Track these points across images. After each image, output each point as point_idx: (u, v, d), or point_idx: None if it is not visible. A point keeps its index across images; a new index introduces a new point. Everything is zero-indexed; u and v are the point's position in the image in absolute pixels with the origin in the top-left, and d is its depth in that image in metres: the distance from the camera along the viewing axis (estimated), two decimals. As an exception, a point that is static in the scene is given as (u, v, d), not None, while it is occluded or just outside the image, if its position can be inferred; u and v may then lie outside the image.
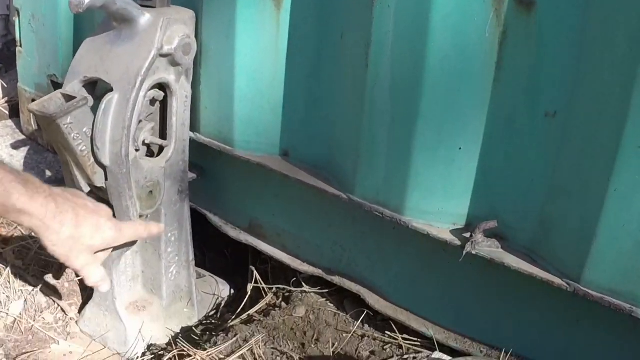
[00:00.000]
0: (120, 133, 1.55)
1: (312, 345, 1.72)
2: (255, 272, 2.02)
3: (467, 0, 1.30)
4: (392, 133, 1.46)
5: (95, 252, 1.36)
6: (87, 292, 1.93)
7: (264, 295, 1.98)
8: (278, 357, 1.66)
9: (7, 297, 1.86)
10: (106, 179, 1.59)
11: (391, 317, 1.71)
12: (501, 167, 1.41)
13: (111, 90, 1.56)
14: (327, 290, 1.90)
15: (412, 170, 1.46)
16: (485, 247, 1.44)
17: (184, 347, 1.67)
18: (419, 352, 1.66)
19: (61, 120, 1.48)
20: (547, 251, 1.39)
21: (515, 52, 1.32)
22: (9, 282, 1.88)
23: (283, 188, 1.79)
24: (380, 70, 1.42)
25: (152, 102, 1.66)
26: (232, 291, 2.12)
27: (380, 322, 1.78)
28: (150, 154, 1.72)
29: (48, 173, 2.35)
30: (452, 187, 1.46)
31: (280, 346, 1.70)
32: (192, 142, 1.78)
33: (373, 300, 1.74)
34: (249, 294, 1.99)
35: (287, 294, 1.95)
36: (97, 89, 1.65)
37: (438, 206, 1.48)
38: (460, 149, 1.42)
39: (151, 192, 1.68)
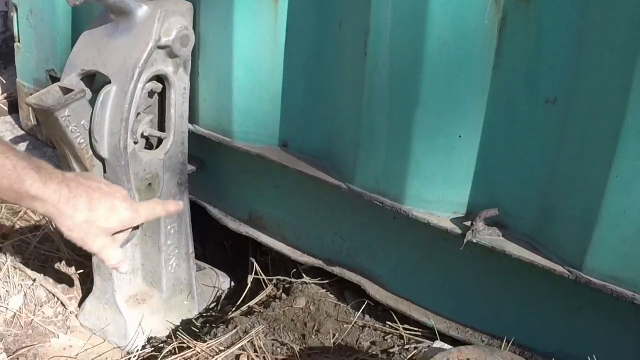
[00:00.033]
0: (119, 125, 1.55)
1: (313, 337, 1.72)
2: (256, 264, 2.01)
3: (466, -13, 1.29)
4: (392, 121, 1.45)
5: (114, 234, 1.35)
6: (87, 286, 1.92)
7: (265, 287, 1.98)
8: (279, 349, 1.65)
9: (7, 291, 1.86)
10: (105, 171, 1.59)
11: (392, 308, 1.71)
12: (502, 155, 1.40)
13: (109, 82, 1.56)
14: (327, 281, 1.89)
15: (412, 158, 1.45)
16: (486, 236, 1.43)
17: (184, 339, 1.66)
18: (420, 342, 1.66)
19: (59, 113, 1.48)
20: (548, 239, 1.39)
21: (514, 38, 1.31)
22: (9, 277, 1.88)
23: (283, 179, 1.79)
24: (379, 59, 1.42)
25: (151, 94, 1.66)
26: (233, 283, 2.12)
27: (381, 312, 1.77)
28: (149, 146, 1.72)
29: (47, 168, 2.34)
30: (452, 176, 1.46)
31: (281, 337, 1.70)
32: (191, 134, 1.78)
33: (374, 290, 1.73)
34: (249, 285, 1.98)
35: (287, 286, 1.95)
36: (95, 81, 1.65)
37: (438, 195, 1.48)
38: (460, 136, 1.41)
39: (150, 184, 1.67)
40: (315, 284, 1.90)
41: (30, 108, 2.29)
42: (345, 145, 1.58)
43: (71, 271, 1.97)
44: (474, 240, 1.42)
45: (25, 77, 2.40)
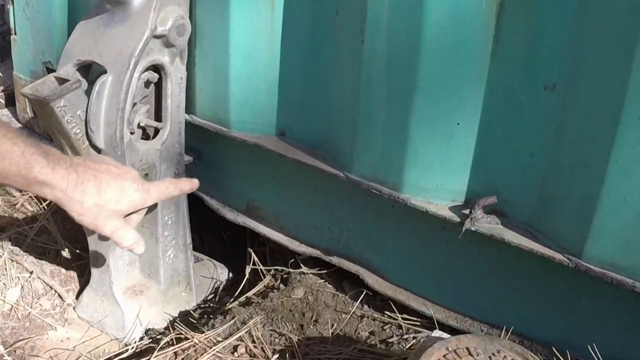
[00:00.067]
0: (115, 115, 1.54)
1: (311, 327, 1.71)
2: (253, 255, 2.00)
3: (463, -28, 1.28)
4: (389, 109, 1.44)
5: (126, 216, 1.35)
6: (84, 278, 1.92)
7: (262, 277, 1.97)
8: (276, 339, 1.65)
9: (4, 284, 1.85)
10: (101, 161, 1.58)
11: (390, 297, 1.70)
12: (500, 142, 1.39)
13: (105, 72, 1.55)
14: (325, 271, 1.89)
15: (410, 146, 1.44)
16: (485, 224, 1.43)
17: (182, 330, 1.66)
18: (419, 331, 1.66)
19: (54, 103, 1.47)
20: (547, 226, 1.38)
21: (513, 24, 1.30)
22: (6, 269, 1.87)
23: (280, 168, 1.78)
24: (376, 46, 1.41)
25: (147, 84, 1.65)
26: (230, 274, 2.11)
27: (379, 302, 1.77)
28: (145, 136, 1.71)
29: (44, 160, 2.33)
30: (450, 163, 1.45)
31: (279, 328, 1.69)
32: (188, 124, 1.77)
33: (372, 280, 1.72)
34: (247, 276, 1.98)
35: (285, 276, 1.95)
36: (91, 72, 1.64)
37: (436, 182, 1.47)
38: (458, 123, 1.40)
39: (146, 174, 1.67)
40: (313, 274, 1.90)
41: (26, 100, 2.28)
42: (343, 134, 1.57)
43: (68, 263, 1.96)
44: (473, 228, 1.42)
45: (22, 70, 2.38)
